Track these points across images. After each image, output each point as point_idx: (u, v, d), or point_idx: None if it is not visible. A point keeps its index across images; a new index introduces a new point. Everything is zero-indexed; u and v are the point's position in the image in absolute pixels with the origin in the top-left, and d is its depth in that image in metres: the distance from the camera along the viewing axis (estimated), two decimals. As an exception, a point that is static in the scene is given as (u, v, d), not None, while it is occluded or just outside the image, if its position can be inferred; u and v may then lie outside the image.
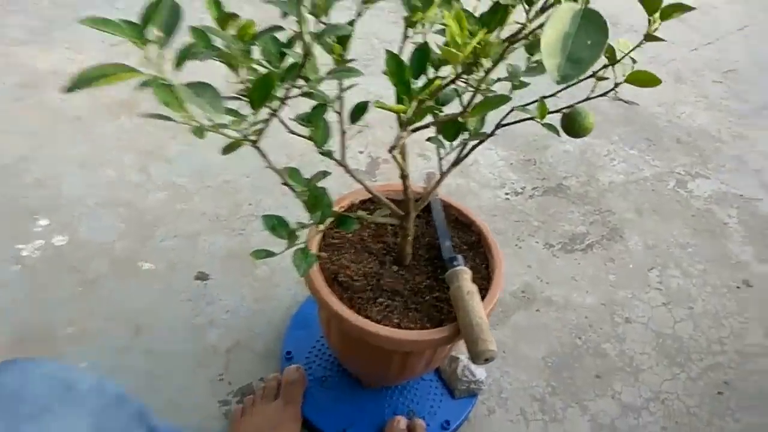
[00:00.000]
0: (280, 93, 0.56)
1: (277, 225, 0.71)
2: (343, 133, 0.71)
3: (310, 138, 0.70)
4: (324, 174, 0.71)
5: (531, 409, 1.07)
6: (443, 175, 0.79)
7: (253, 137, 0.58)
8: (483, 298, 0.80)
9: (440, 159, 0.77)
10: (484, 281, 0.86)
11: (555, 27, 0.38)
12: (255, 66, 0.56)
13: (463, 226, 0.94)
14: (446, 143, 0.73)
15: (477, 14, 0.59)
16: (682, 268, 1.38)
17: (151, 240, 1.24)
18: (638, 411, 1.09)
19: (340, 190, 0.96)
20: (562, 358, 1.16)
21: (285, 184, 0.69)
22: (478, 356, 0.72)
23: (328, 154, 0.71)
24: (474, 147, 0.74)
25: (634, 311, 1.27)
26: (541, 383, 1.11)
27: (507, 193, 1.51)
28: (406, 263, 0.87)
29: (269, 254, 0.67)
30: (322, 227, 0.72)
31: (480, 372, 1.03)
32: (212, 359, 1.05)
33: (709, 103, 1.98)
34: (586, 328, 1.22)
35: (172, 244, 1.23)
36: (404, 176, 0.75)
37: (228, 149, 0.58)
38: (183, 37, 0.48)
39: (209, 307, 1.13)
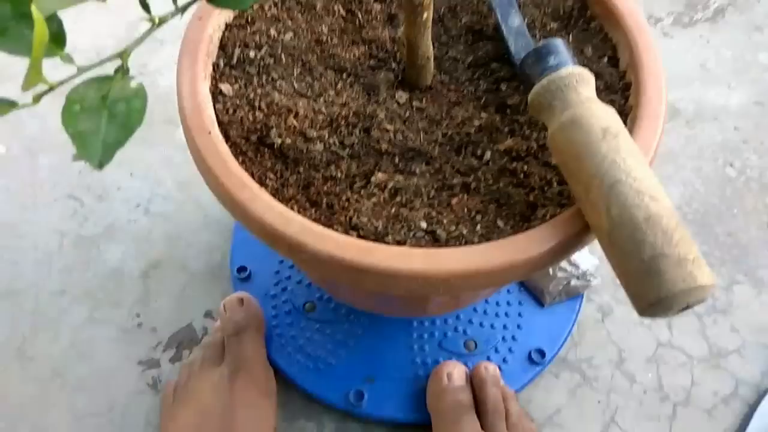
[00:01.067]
0: None
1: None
2: None
3: None
4: None
5: (669, 298, 0.62)
6: None
7: None
8: (632, 137, 0.31)
9: None
10: (617, 97, 0.37)
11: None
12: None
13: (541, -23, 0.43)
14: None
15: None
16: None
17: None
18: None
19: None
20: (710, 203, 0.69)
21: None
22: (668, 303, 0.26)
23: None
24: None
25: (811, 105, 0.76)
26: (679, 252, 0.65)
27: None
28: (427, 82, 0.38)
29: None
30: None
31: (587, 258, 0.58)
32: (118, 291, 0.61)
33: None
34: (739, 146, 0.73)
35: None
36: None
37: None
38: None
39: (103, 204, 0.67)
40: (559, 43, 0.34)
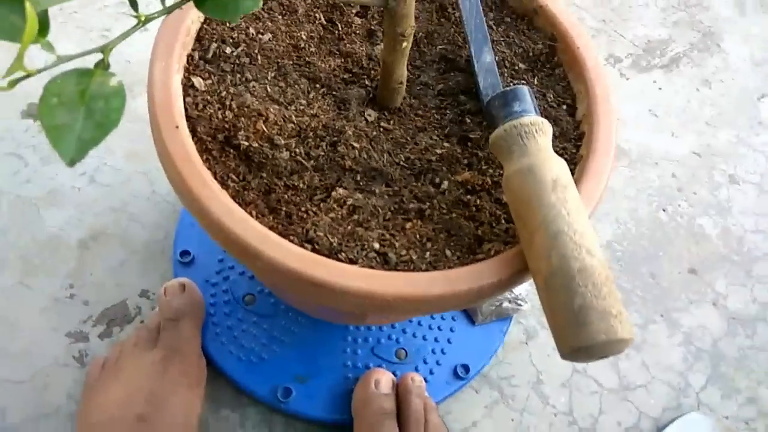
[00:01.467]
0: None
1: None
2: None
3: None
4: None
5: (591, 329, 0.66)
6: None
7: None
8: (577, 186, 0.34)
9: None
10: (570, 146, 0.39)
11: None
12: None
13: (516, 18, 0.45)
14: None
15: None
16: (807, 93, 0.91)
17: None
18: (752, 325, 0.70)
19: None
20: (639, 244, 0.73)
21: None
22: (589, 352, 0.29)
23: None
24: None
25: (741, 164, 0.82)
26: (606, 286, 0.69)
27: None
28: (396, 104, 0.39)
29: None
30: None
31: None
32: (54, 259, 0.60)
33: None
34: (673, 193, 0.78)
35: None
36: None
37: None
38: None
39: (48, 167, 0.65)
40: (526, 92, 0.36)
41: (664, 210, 0.76)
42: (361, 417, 0.51)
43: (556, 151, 0.36)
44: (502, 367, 0.63)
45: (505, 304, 0.60)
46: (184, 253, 0.59)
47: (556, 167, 0.33)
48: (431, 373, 0.57)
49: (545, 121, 0.35)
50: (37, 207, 0.62)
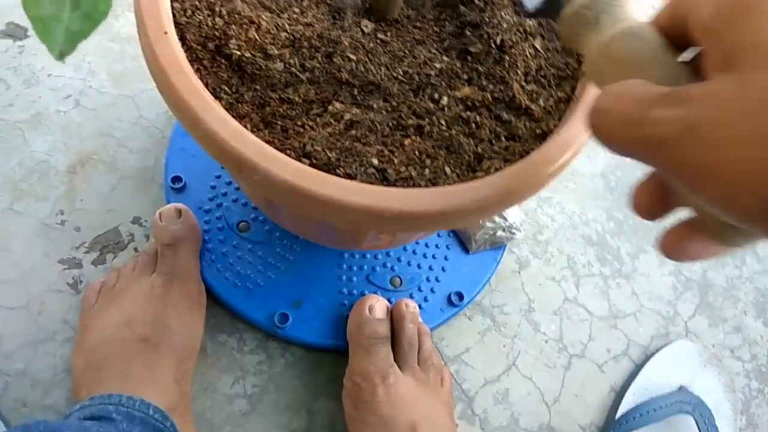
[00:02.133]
0: None
1: None
2: None
3: None
4: None
5: (584, 258, 0.67)
6: None
7: None
8: (562, 115, 0.33)
9: None
10: (568, 68, 0.38)
11: None
12: None
13: None
14: None
15: None
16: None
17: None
18: (741, 255, 0.71)
19: None
20: (633, 174, 0.73)
21: None
22: None
23: None
24: None
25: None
26: (600, 216, 0.70)
27: None
28: (393, 15, 0.38)
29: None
30: None
31: (515, 213, 0.60)
32: (42, 185, 0.59)
33: None
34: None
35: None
36: None
37: None
38: None
39: (30, 90, 0.63)
40: None
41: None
42: (356, 341, 0.52)
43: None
44: (494, 295, 0.63)
45: (499, 233, 0.60)
46: (176, 179, 0.58)
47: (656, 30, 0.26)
48: (425, 300, 0.58)
49: None
50: (21, 131, 0.60)
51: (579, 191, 0.71)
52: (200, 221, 0.56)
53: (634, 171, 0.73)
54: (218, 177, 0.58)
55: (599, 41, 0.28)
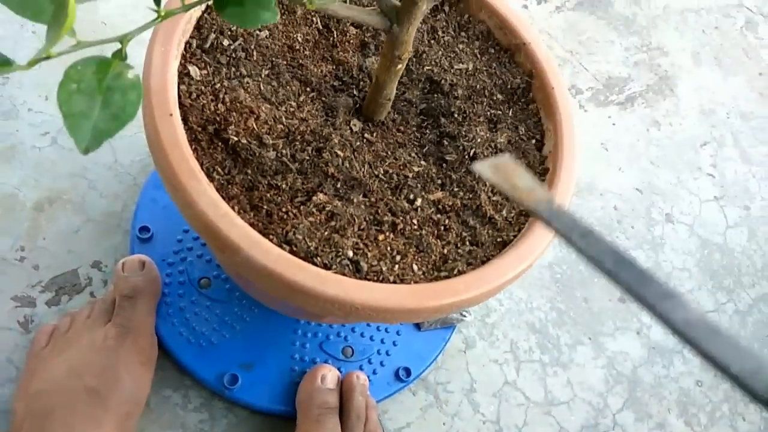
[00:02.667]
0: None
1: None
2: None
3: None
4: None
5: (526, 344, 0.71)
6: None
7: None
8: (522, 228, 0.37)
9: None
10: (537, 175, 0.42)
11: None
12: None
13: (500, 50, 0.47)
14: None
15: None
16: (741, 148, 0.99)
17: None
18: (669, 356, 0.76)
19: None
20: (576, 269, 0.78)
21: None
22: None
23: None
24: None
25: (678, 205, 0.88)
26: (544, 305, 0.74)
27: (524, 3, 1.00)
28: (381, 117, 0.41)
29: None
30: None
31: (467, 298, 0.64)
32: (7, 218, 0.59)
33: None
34: (613, 224, 0.83)
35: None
36: None
37: None
38: None
39: (9, 122, 0.63)
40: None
41: (604, 240, 0.81)
42: (305, 410, 0.53)
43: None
44: (440, 372, 0.66)
45: (451, 315, 0.63)
46: (143, 228, 0.58)
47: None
48: (374, 373, 0.60)
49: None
50: (-8, 163, 0.60)
51: (527, 280, 0.75)
52: (162, 273, 0.57)
53: (578, 266, 0.78)
54: (186, 231, 0.59)
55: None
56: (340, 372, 0.57)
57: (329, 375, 0.55)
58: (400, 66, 0.36)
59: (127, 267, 0.53)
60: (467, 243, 0.39)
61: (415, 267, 0.37)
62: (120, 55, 0.25)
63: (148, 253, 0.57)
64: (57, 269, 0.58)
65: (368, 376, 0.58)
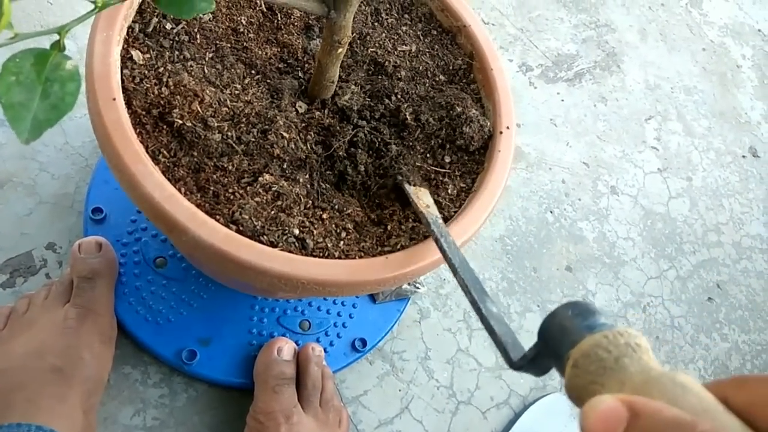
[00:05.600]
0: None
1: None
2: None
3: None
4: None
5: (477, 314, 0.73)
6: None
7: None
8: (480, 189, 0.39)
9: None
10: (471, 164, 0.44)
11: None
12: None
13: (442, 32, 0.49)
14: None
15: None
16: (685, 122, 1.03)
17: None
18: (613, 320, 0.80)
19: None
20: (526, 240, 0.81)
21: None
22: None
23: None
24: None
25: (622, 177, 0.92)
26: (495, 276, 0.77)
27: (477, -24, 1.01)
28: (326, 96, 0.43)
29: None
30: None
31: (419, 270, 0.66)
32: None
33: None
34: (561, 197, 0.86)
35: None
36: None
37: None
38: None
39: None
40: (588, 304, 0.28)
41: (551, 212, 0.84)
42: (263, 381, 0.55)
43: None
44: (395, 342, 0.68)
45: (405, 286, 0.65)
46: (96, 210, 0.59)
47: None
48: (331, 344, 0.62)
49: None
50: (-62, 147, 0.59)
51: (479, 252, 0.78)
52: (117, 253, 0.58)
53: (528, 237, 0.81)
54: (140, 212, 0.60)
55: (632, 386, 0.23)
56: (298, 345, 0.59)
57: (285, 347, 0.57)
58: (340, 50, 0.38)
59: (83, 248, 0.53)
60: (410, 220, 0.41)
61: (360, 243, 0.39)
62: (58, 46, 0.26)
63: (102, 233, 0.57)
64: (11, 251, 0.58)
65: (325, 348, 0.60)
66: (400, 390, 0.67)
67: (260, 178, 0.38)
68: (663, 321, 0.82)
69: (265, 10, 0.44)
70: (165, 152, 0.36)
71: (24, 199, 0.60)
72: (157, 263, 0.59)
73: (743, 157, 1.04)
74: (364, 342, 0.63)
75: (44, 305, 0.52)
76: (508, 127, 0.45)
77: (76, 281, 0.53)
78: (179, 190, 0.35)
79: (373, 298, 0.66)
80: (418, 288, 0.67)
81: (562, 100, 0.95)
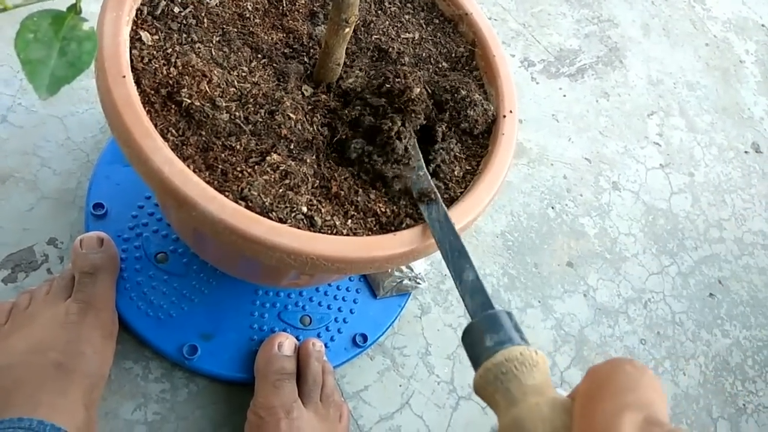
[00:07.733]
0: None
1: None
2: None
3: None
4: None
5: (479, 309, 0.73)
6: None
7: None
8: (481, 176, 0.39)
9: None
10: (476, 147, 0.44)
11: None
12: None
13: (444, 21, 0.49)
14: None
15: None
16: (688, 117, 1.04)
17: None
18: (615, 316, 0.80)
19: None
20: (528, 236, 0.81)
21: None
22: None
23: None
24: None
25: (624, 173, 0.92)
26: (496, 272, 0.77)
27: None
28: (332, 79, 0.43)
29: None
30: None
31: (420, 264, 0.66)
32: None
33: None
34: (562, 192, 0.86)
35: None
36: None
37: None
38: None
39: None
40: (499, 316, 0.29)
41: (552, 207, 0.85)
42: (263, 376, 0.55)
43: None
44: (396, 337, 0.68)
45: (406, 281, 0.65)
46: (98, 205, 0.58)
47: (549, 416, 0.25)
48: (332, 339, 0.61)
49: (528, 349, 0.28)
50: (-61, 141, 0.59)
51: (480, 247, 0.77)
52: (118, 249, 0.57)
53: (529, 233, 0.81)
54: (141, 207, 0.60)
55: (510, 417, 0.26)
56: (298, 340, 0.58)
57: (286, 342, 0.56)
58: (347, 30, 0.38)
59: (85, 244, 0.53)
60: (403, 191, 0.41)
61: (367, 221, 0.38)
62: (75, 9, 0.26)
63: (104, 229, 0.57)
64: (12, 247, 0.57)
65: (326, 343, 0.60)
66: (400, 385, 0.66)
67: (268, 158, 0.38)
68: (664, 317, 0.82)
69: (270, -4, 0.45)
70: (174, 131, 0.36)
71: (25, 195, 0.60)
72: (158, 258, 0.58)
73: (746, 152, 1.05)
74: (364, 337, 0.63)
75: (46, 300, 0.52)
76: (511, 111, 0.45)
77: (77, 276, 0.52)
78: (188, 167, 0.35)
79: (373, 293, 0.65)
80: (419, 284, 0.66)
81: (564, 96, 0.96)
